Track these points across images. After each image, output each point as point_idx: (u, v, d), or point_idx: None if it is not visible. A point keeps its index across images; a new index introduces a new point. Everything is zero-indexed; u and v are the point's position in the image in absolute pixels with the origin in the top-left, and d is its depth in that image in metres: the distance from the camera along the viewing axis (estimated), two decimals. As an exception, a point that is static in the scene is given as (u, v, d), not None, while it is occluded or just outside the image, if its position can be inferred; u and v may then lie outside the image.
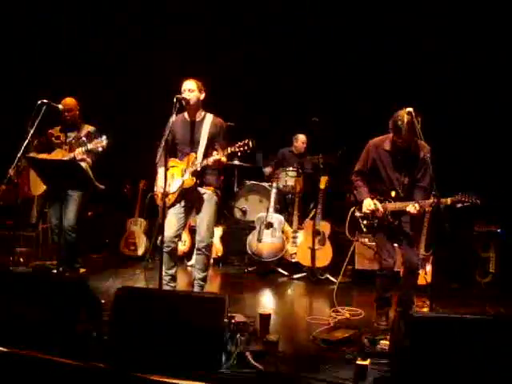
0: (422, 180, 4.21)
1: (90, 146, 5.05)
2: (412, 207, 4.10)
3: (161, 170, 4.49)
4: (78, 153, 5.12)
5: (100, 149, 4.99)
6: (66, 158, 5.15)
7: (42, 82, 7.25)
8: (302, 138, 7.66)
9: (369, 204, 4.29)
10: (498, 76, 6.78)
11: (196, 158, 4.47)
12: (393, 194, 4.28)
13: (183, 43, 7.71)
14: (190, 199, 4.59)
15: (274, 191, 6.88)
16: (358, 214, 4.42)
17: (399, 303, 4.35)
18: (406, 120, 3.92)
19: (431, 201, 4.10)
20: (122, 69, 7.97)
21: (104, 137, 5.00)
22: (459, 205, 4.08)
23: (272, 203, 6.82)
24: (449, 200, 4.06)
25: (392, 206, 4.25)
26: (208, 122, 4.57)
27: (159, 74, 7.48)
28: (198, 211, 4.62)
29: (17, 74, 7.79)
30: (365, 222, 4.37)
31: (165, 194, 4.13)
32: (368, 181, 4.44)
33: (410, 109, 3.94)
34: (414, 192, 4.24)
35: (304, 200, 7.06)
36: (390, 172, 4.29)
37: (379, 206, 4.26)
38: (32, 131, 4.70)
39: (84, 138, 5.33)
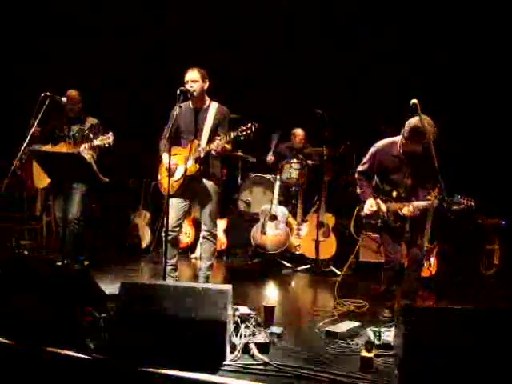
0: (426, 181, 4.20)
1: (96, 142, 5.05)
2: (406, 209, 4.11)
3: (165, 155, 4.51)
4: (84, 148, 5.10)
5: (107, 145, 5.01)
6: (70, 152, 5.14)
7: (43, 76, 7.22)
8: (299, 133, 7.55)
9: (371, 205, 4.29)
10: (495, 71, 6.78)
11: (199, 144, 4.47)
12: (394, 194, 4.28)
13: (185, 39, 7.68)
14: (192, 188, 4.59)
15: (277, 183, 6.86)
16: (362, 213, 4.42)
17: (403, 295, 4.35)
18: (427, 127, 3.86)
19: (429, 202, 4.11)
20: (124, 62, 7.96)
21: (111, 133, 5.02)
22: (455, 207, 4.07)
23: (276, 195, 6.80)
24: (444, 203, 4.05)
25: (392, 206, 4.26)
26: (213, 110, 4.56)
27: (164, 64, 7.47)
28: (201, 202, 4.64)
29: (19, 67, 7.77)
30: (368, 221, 4.37)
31: (169, 175, 4.16)
32: (371, 180, 4.44)
33: (415, 100, 3.88)
34: (418, 192, 4.24)
35: (308, 192, 7.06)
36: (395, 175, 4.28)
37: (382, 206, 4.26)
38: (36, 124, 4.70)
39: (88, 132, 5.33)
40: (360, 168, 4.47)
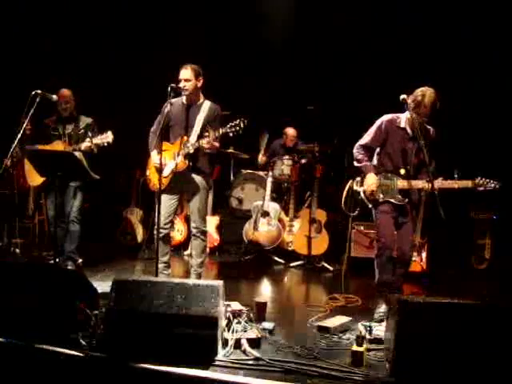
0: (430, 161, 4.13)
1: (95, 141, 5.06)
2: (426, 184, 4.05)
3: (153, 153, 4.53)
4: (86, 147, 5.11)
5: (106, 144, 5.02)
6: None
7: (35, 72, 7.19)
8: (291, 132, 7.48)
9: (371, 182, 4.21)
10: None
11: (188, 140, 4.48)
12: (402, 171, 4.23)
13: (180, 35, 7.67)
14: (181, 184, 4.60)
15: (269, 180, 6.87)
16: (360, 188, 4.31)
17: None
18: (433, 96, 3.90)
19: (445, 181, 4.06)
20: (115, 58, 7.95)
21: (109, 132, 5.02)
22: (481, 188, 3.99)
23: (268, 192, 6.82)
24: (470, 183, 3.97)
25: (405, 183, 4.19)
26: (205, 107, 4.58)
27: (153, 62, 7.46)
28: (190, 197, 4.64)
29: (11, 65, 7.74)
30: (369, 195, 4.25)
31: (160, 173, 4.17)
32: (371, 156, 4.40)
33: (404, 96, 3.93)
34: (422, 172, 4.23)
35: (300, 188, 7.07)
36: (401, 150, 4.25)
37: (380, 192, 4.22)
38: (26, 122, 4.68)
39: (84, 131, 5.34)
40: (362, 142, 4.38)
